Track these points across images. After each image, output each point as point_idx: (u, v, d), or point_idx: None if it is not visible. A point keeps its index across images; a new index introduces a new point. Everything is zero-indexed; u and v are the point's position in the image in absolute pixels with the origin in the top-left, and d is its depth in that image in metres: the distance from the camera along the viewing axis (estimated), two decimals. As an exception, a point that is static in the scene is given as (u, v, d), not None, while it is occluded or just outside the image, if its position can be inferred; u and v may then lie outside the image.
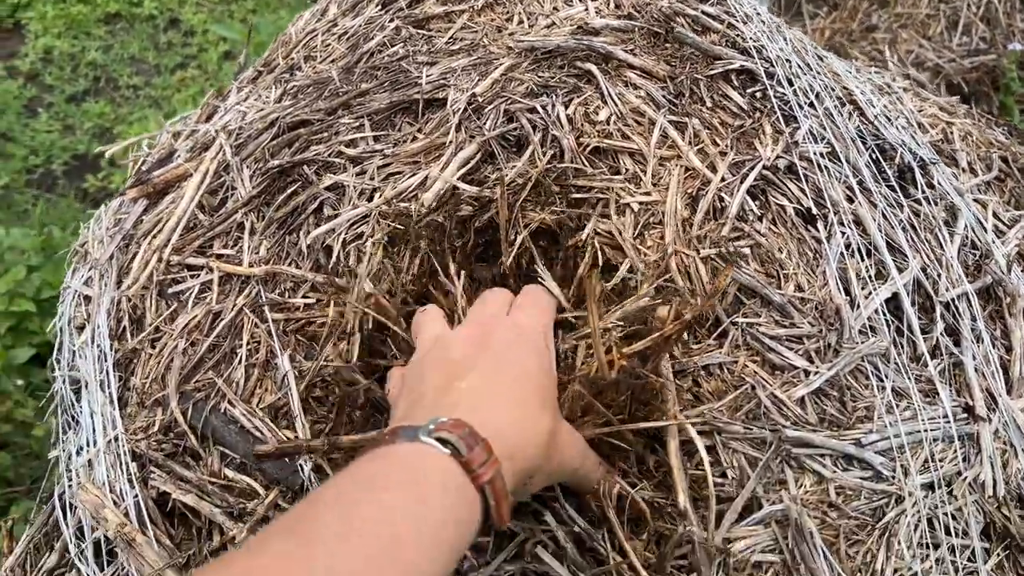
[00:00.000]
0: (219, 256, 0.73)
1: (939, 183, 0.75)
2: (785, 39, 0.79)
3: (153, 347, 0.71)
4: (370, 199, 0.69)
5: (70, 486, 0.67)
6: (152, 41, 2.41)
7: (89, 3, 2.49)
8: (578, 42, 0.74)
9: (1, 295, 1.42)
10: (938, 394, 0.64)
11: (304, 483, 0.61)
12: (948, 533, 0.61)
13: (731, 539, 0.58)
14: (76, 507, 0.66)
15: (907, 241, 0.70)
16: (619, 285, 0.64)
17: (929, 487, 0.62)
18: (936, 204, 0.74)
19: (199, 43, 2.39)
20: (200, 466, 0.65)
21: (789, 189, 0.70)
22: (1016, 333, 0.70)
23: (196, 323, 0.70)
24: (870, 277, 0.67)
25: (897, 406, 0.63)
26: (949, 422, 0.64)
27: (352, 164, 0.71)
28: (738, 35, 0.77)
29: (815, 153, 0.71)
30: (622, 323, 0.59)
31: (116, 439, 0.67)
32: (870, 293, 0.66)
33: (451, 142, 0.69)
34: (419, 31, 0.82)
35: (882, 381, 0.64)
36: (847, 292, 0.66)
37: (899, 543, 0.59)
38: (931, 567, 0.59)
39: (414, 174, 0.69)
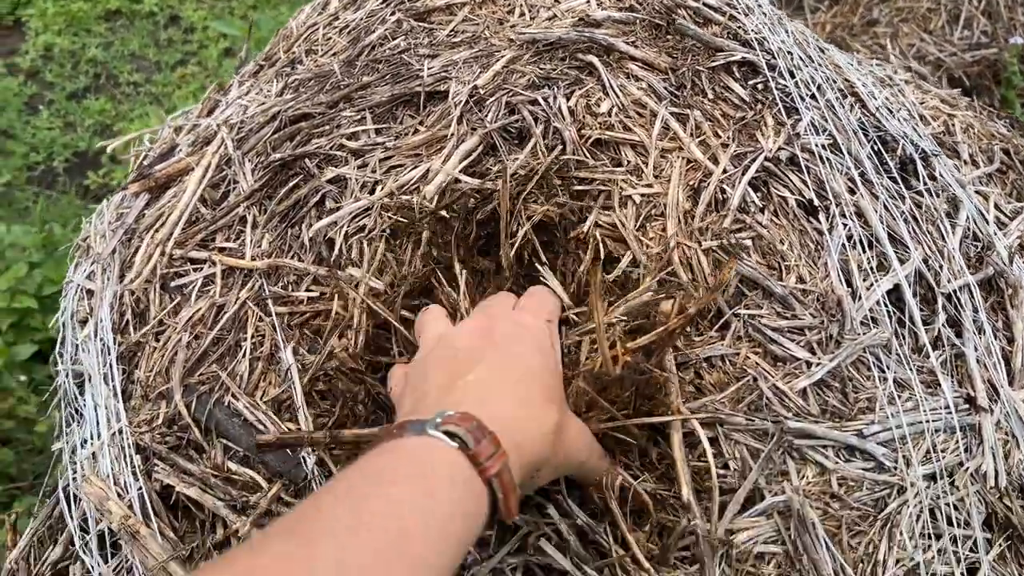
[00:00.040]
0: (222, 249, 0.73)
1: (941, 175, 0.75)
2: (787, 31, 0.79)
3: (157, 340, 0.71)
4: (372, 192, 0.69)
5: (74, 479, 0.67)
6: (152, 38, 2.41)
7: (89, 0, 2.49)
8: (579, 34, 0.74)
9: (2, 292, 1.43)
10: (940, 385, 0.65)
11: (307, 476, 0.61)
12: (950, 524, 0.61)
13: (733, 530, 0.58)
14: (80, 499, 0.66)
15: (909, 233, 0.70)
16: (621, 277, 0.64)
17: (931, 478, 0.62)
18: (938, 196, 0.74)
19: (199, 40, 2.39)
20: (203, 459, 0.65)
21: (791, 181, 0.70)
22: (1018, 324, 0.70)
23: (200, 316, 0.70)
24: (872, 268, 0.67)
25: (899, 397, 0.63)
26: (951, 413, 0.64)
27: (354, 157, 0.71)
28: (740, 27, 0.77)
29: (817, 145, 0.71)
30: (625, 318, 0.59)
31: (120, 432, 0.67)
32: (872, 284, 0.66)
33: (453, 134, 0.69)
34: (420, 24, 0.82)
35: (884, 372, 0.64)
36: (849, 283, 0.66)
37: (901, 534, 0.60)
38: (933, 557, 0.60)
39: (416, 167, 0.69)
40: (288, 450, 0.63)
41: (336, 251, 0.68)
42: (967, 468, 0.62)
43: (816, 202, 0.69)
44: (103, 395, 0.69)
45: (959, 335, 0.68)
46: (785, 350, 0.63)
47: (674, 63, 0.74)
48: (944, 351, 0.67)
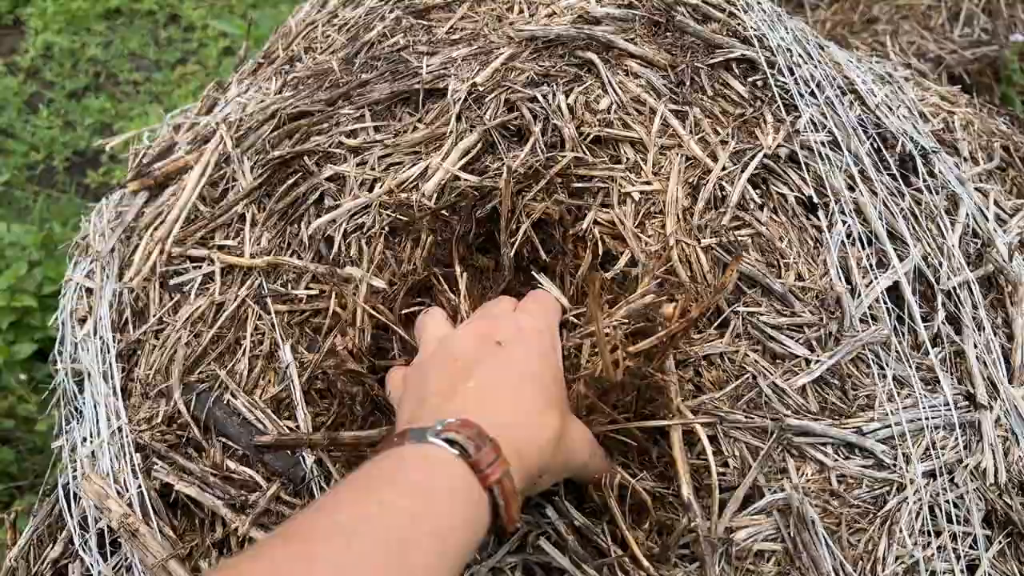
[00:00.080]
0: (221, 247, 0.73)
1: (940, 172, 0.75)
2: (786, 28, 0.79)
3: (156, 338, 0.71)
4: (371, 189, 0.69)
5: (74, 477, 0.67)
6: (152, 37, 2.41)
7: (89, -1, 2.48)
8: (579, 31, 0.74)
9: (2, 291, 1.43)
10: (939, 382, 0.64)
11: (306, 475, 0.61)
12: (950, 521, 0.61)
13: (733, 528, 0.58)
14: (80, 498, 0.66)
15: (908, 230, 0.70)
16: (620, 275, 0.64)
17: (930, 475, 0.62)
18: (937, 193, 0.74)
19: (199, 39, 2.38)
20: (203, 457, 0.65)
21: (790, 178, 0.70)
22: (1018, 321, 0.70)
23: (199, 314, 0.70)
24: (871, 266, 0.67)
25: (898, 394, 0.63)
26: (950, 410, 0.64)
27: (353, 154, 0.71)
28: (739, 24, 0.77)
29: (816, 142, 0.71)
30: (626, 321, 0.59)
31: (120, 430, 0.67)
32: (871, 282, 0.66)
33: (452, 132, 0.69)
34: (419, 21, 0.82)
35: (883, 369, 0.64)
36: (848, 281, 0.66)
37: (901, 531, 0.59)
38: (933, 554, 0.60)
39: (415, 164, 0.69)
40: (287, 451, 0.63)
41: (335, 249, 0.68)
42: (967, 465, 0.62)
43: (815, 199, 0.69)
44: (102, 393, 0.69)
45: (958, 332, 0.68)
46: (784, 347, 0.63)
47: (673, 60, 0.74)
48: (943, 348, 0.67)
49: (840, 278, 0.66)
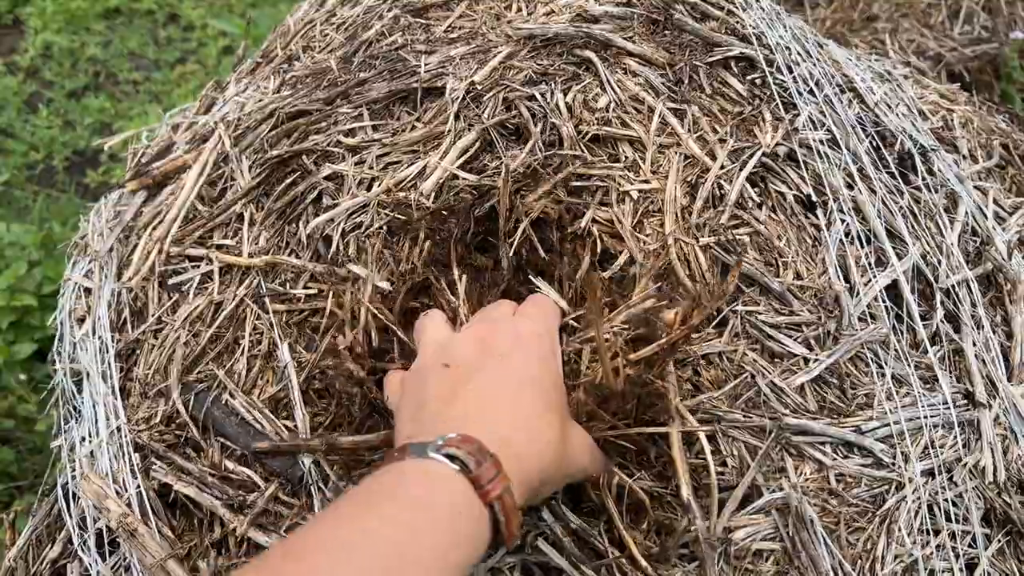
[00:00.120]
0: (219, 247, 0.73)
1: (939, 170, 0.75)
2: (785, 26, 0.79)
3: (155, 338, 0.71)
4: (369, 188, 0.69)
5: (73, 477, 0.67)
6: (151, 36, 2.41)
7: (88, -2, 2.48)
8: (577, 29, 0.74)
9: (2, 291, 1.43)
10: (938, 381, 0.64)
11: (304, 476, 0.61)
12: (949, 519, 0.61)
13: (732, 528, 0.58)
14: (79, 497, 0.66)
15: (907, 228, 0.70)
16: (619, 274, 0.64)
17: (929, 474, 0.61)
18: (936, 191, 0.74)
19: (198, 38, 2.38)
20: (201, 457, 0.65)
21: (789, 176, 0.70)
22: (1017, 319, 0.69)
23: (198, 314, 0.70)
24: (870, 264, 0.67)
25: (897, 393, 0.63)
26: (949, 408, 0.63)
27: (351, 153, 0.71)
28: (738, 22, 0.77)
29: (815, 140, 0.71)
30: (626, 326, 0.58)
31: (119, 430, 0.67)
32: (870, 280, 0.66)
33: (450, 131, 0.69)
34: (417, 20, 0.81)
35: (882, 368, 0.64)
36: (846, 279, 0.66)
37: (899, 530, 0.59)
38: (931, 553, 0.60)
39: (413, 163, 0.69)
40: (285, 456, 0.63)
41: (333, 248, 0.67)
42: (965, 464, 0.62)
43: (814, 198, 0.69)
44: (101, 393, 0.69)
45: (957, 330, 0.67)
46: (783, 346, 0.63)
47: (672, 58, 0.74)
48: (942, 347, 0.67)
49: (839, 277, 0.66)
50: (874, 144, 0.74)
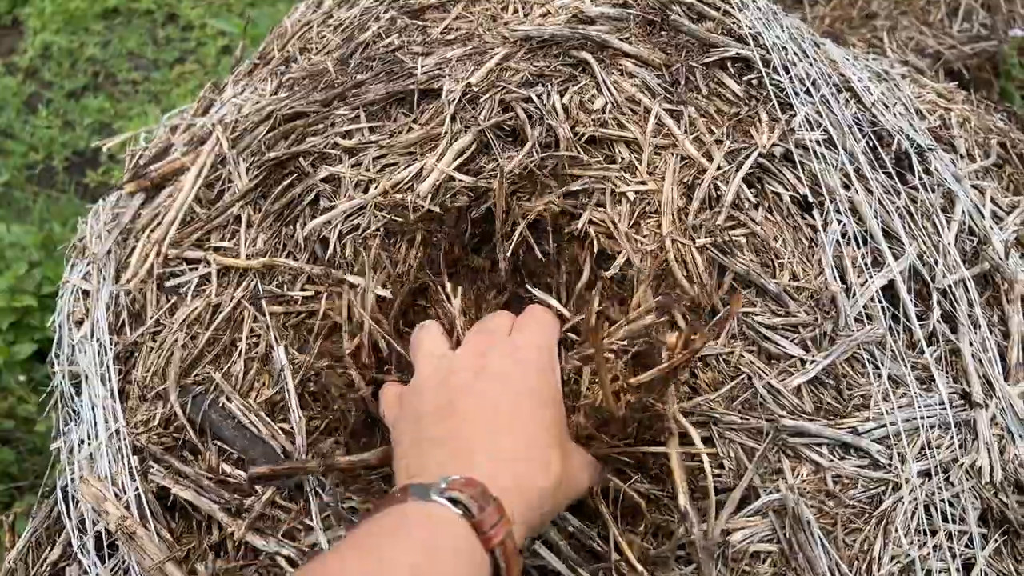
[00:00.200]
0: (217, 249, 0.73)
1: (936, 169, 0.75)
2: (781, 26, 0.79)
3: (154, 340, 0.71)
4: (366, 190, 0.69)
5: (72, 479, 0.67)
6: (150, 36, 2.41)
7: (87, -2, 2.48)
8: (573, 31, 0.74)
9: (2, 291, 1.43)
10: (935, 381, 0.64)
11: (301, 480, 0.61)
12: (945, 520, 0.61)
13: (729, 530, 0.58)
14: (78, 500, 0.66)
15: (904, 228, 0.70)
16: (618, 274, 0.64)
17: (926, 474, 0.62)
18: (933, 191, 0.74)
19: (197, 38, 2.38)
20: (198, 461, 0.65)
21: (785, 177, 0.70)
22: (1014, 319, 0.69)
23: (196, 316, 0.71)
24: (866, 264, 0.67)
25: (894, 394, 0.63)
26: (946, 409, 0.64)
27: (348, 155, 0.71)
28: (734, 23, 0.77)
29: (811, 140, 0.71)
30: (625, 344, 0.58)
31: (117, 432, 0.67)
32: (866, 281, 0.66)
33: (446, 132, 0.69)
34: (414, 21, 0.81)
35: (878, 369, 0.64)
36: (843, 280, 0.66)
37: (896, 530, 0.59)
38: (928, 554, 0.60)
39: (410, 165, 0.69)
40: (283, 454, 0.63)
41: (330, 250, 0.68)
42: (962, 464, 0.62)
43: (810, 198, 0.69)
44: (100, 395, 0.70)
45: (954, 330, 0.67)
46: (779, 348, 0.63)
47: (668, 59, 0.74)
48: (939, 347, 0.67)
49: (835, 277, 0.66)
50: (871, 144, 0.74)
